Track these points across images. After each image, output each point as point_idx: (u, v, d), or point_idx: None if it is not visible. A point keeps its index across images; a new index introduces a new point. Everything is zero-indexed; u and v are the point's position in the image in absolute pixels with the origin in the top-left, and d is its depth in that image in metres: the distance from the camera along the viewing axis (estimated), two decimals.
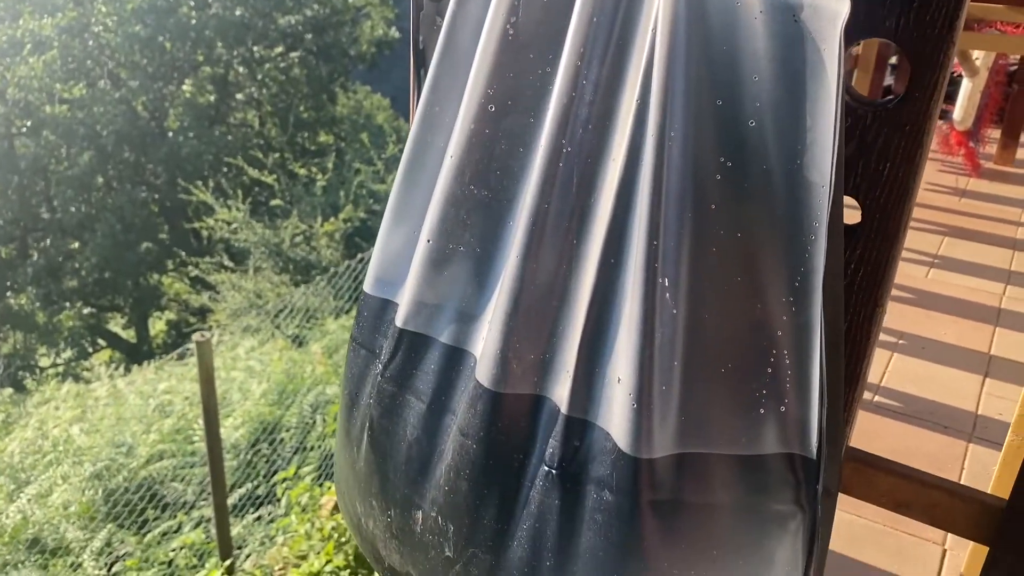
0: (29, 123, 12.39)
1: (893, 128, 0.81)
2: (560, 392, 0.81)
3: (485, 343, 0.84)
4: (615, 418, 0.76)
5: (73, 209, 12.32)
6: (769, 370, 0.75)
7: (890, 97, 0.82)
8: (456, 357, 0.89)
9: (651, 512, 0.75)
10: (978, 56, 2.76)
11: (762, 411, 0.75)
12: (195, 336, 4.01)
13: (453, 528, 0.85)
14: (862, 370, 0.92)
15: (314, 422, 5.75)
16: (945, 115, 3.19)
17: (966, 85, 2.87)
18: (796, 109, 0.71)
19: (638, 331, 0.74)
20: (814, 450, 0.75)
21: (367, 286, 0.99)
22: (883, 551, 1.38)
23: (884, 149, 0.82)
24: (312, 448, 5.42)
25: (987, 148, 3.28)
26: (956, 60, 2.76)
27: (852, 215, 0.90)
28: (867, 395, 1.80)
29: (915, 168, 0.83)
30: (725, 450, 0.75)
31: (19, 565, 4.68)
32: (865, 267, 0.87)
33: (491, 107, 0.85)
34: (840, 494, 1.06)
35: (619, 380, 0.76)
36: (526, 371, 0.82)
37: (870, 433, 1.68)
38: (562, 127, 0.80)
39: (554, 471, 0.79)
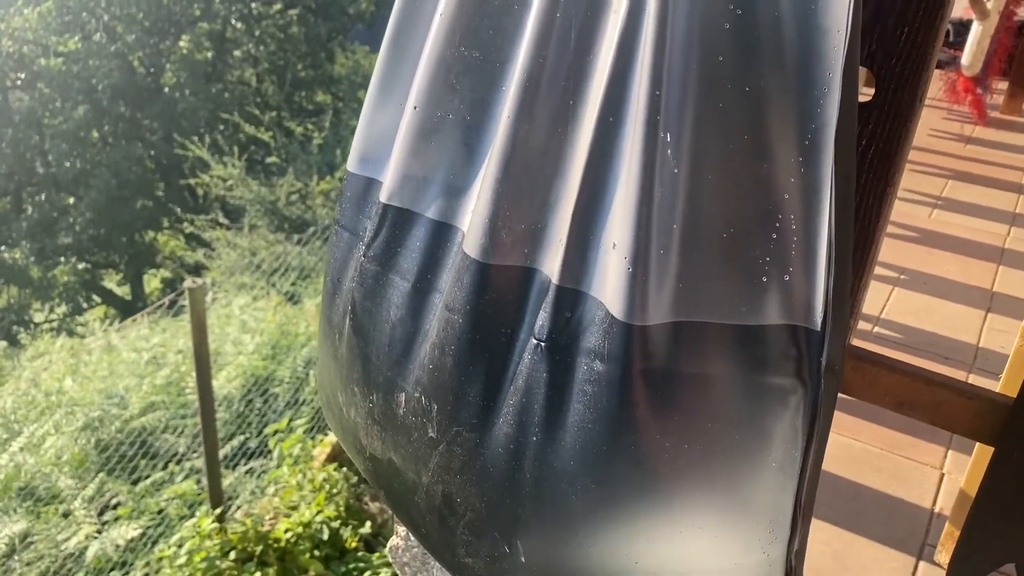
0: (23, 76, 12.23)
1: None
2: (551, 263, 0.76)
3: (474, 213, 0.79)
4: (609, 285, 0.72)
5: (68, 164, 12.21)
6: (774, 235, 0.70)
7: None
8: (443, 232, 0.84)
9: (643, 381, 0.71)
10: None
11: (765, 279, 0.71)
12: (187, 282, 3.96)
13: (437, 407, 0.81)
14: (870, 256, 0.88)
15: (307, 376, 5.73)
16: (953, 62, 3.12)
17: (975, 29, 2.80)
18: None
19: (636, 191, 0.70)
20: (819, 322, 0.71)
21: (350, 164, 0.94)
22: (880, 474, 1.35)
23: (903, 12, 0.77)
24: (305, 402, 5.41)
25: (995, 98, 3.22)
26: (967, 2, 2.69)
27: (863, 94, 0.85)
28: (866, 326, 1.77)
29: (934, 34, 0.78)
30: (724, 319, 0.71)
31: (11, 512, 4.67)
32: (877, 144, 0.83)
33: None
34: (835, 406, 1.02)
35: (614, 246, 0.72)
36: (516, 241, 0.78)
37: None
38: None
39: (543, 344, 0.75)
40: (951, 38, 3.47)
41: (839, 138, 0.67)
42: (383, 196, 0.87)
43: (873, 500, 1.30)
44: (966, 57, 2.90)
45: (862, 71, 0.82)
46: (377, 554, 3.91)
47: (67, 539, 4.41)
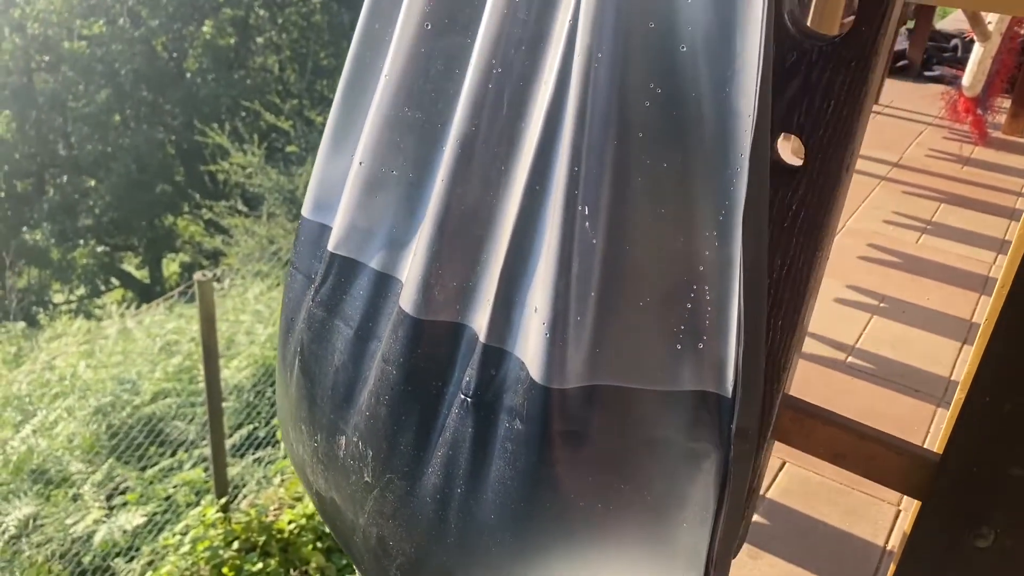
0: (48, 58, 12.37)
1: (838, 64, 0.78)
2: (480, 320, 0.79)
3: (409, 269, 0.82)
4: (530, 348, 0.75)
5: (89, 147, 12.34)
6: (689, 305, 0.73)
7: (836, 34, 0.78)
8: (384, 283, 0.87)
9: (560, 442, 0.74)
10: (991, 20, 2.67)
11: (679, 347, 0.73)
12: (196, 275, 4.01)
13: (372, 453, 0.84)
14: (801, 317, 0.90)
15: None
16: (954, 81, 3.11)
17: (977, 50, 2.78)
18: (727, 34, 0.69)
19: (555, 259, 0.73)
20: (730, 389, 0.73)
21: (305, 210, 0.97)
22: (836, 508, 1.37)
23: (828, 87, 0.79)
24: None
25: (997, 118, 3.20)
26: (968, 24, 2.68)
27: (796, 159, 0.87)
28: (840, 355, 1.78)
29: (859, 107, 0.80)
30: (639, 384, 0.74)
31: (22, 494, 4.76)
32: (807, 209, 0.85)
33: (427, 25, 0.82)
34: (781, 443, 1.05)
35: (536, 309, 0.75)
36: (448, 299, 0.81)
37: (841, 393, 1.66)
38: (495, 47, 0.77)
39: (469, 399, 0.78)
40: (958, 54, 3.45)
41: (747, 216, 0.69)
42: (330, 245, 0.90)
43: (826, 536, 1.32)
44: (967, 78, 2.88)
45: (792, 139, 0.84)
46: None
47: (76, 523, 4.49)
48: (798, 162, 0.85)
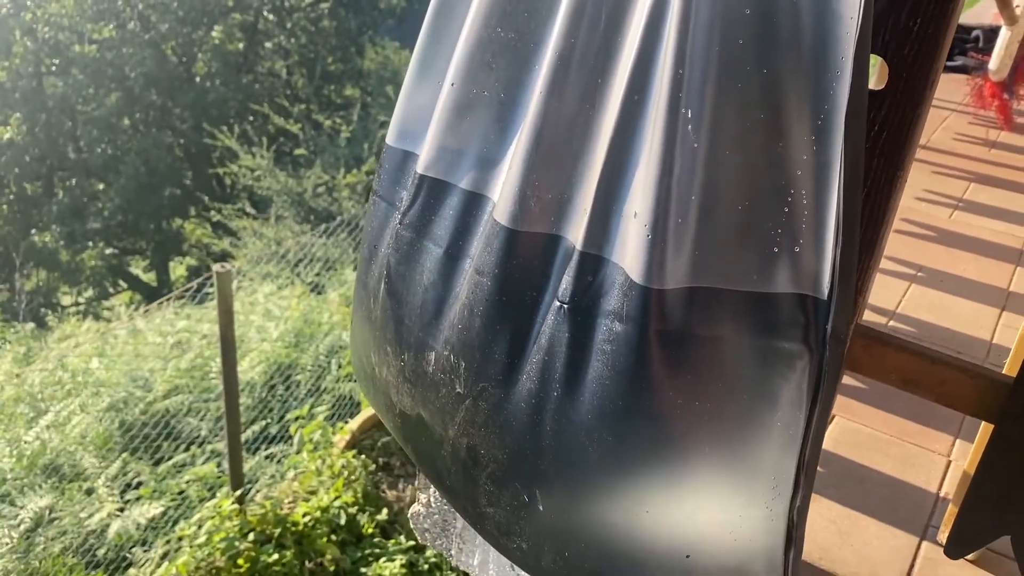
0: (58, 62, 12.44)
1: None
2: (576, 231, 0.82)
3: (505, 182, 0.84)
4: (629, 252, 0.77)
5: (99, 150, 12.40)
6: (786, 209, 0.75)
7: None
8: (475, 202, 0.90)
9: (659, 342, 0.76)
10: (1019, 3, 2.70)
11: (776, 250, 0.75)
12: (215, 267, 4.03)
13: (465, 364, 0.87)
14: (880, 237, 0.92)
15: (329, 365, 5.80)
16: (980, 67, 3.14)
17: (1004, 34, 2.81)
18: None
19: (658, 163, 0.75)
20: (825, 292, 0.75)
21: (390, 138, 0.99)
22: (888, 458, 1.39)
23: (916, 4, 0.82)
24: (326, 390, 5.47)
25: (1022, 104, 3.22)
26: (996, 7, 2.70)
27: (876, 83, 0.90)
28: (882, 319, 1.80)
29: (946, 25, 0.82)
30: (736, 286, 0.76)
31: (36, 488, 4.77)
32: (889, 129, 0.87)
33: None
34: (849, 374, 1.07)
35: (635, 215, 0.77)
36: (544, 210, 0.83)
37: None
38: None
39: (566, 306, 0.81)
40: (980, 44, 3.48)
41: (849, 119, 0.72)
42: (419, 167, 0.93)
43: (880, 483, 1.34)
44: (993, 62, 2.91)
45: (876, 59, 0.86)
46: (393, 540, 3.98)
47: (90, 516, 4.49)
48: (880, 84, 0.88)
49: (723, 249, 0.76)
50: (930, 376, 0.97)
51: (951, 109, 3.29)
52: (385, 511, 4.19)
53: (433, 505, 1.42)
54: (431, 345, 0.91)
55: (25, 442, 5.02)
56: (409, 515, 1.45)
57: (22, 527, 4.30)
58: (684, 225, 0.75)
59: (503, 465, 0.85)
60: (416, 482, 1.40)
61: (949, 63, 3.82)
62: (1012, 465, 0.93)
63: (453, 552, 1.42)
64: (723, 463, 0.78)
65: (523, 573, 1.30)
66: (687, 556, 0.79)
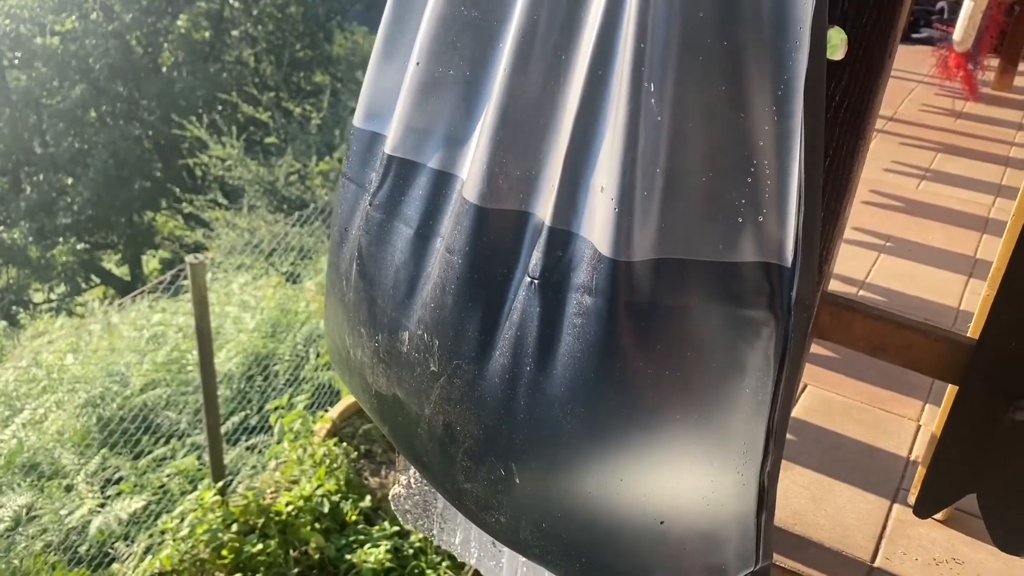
0: (20, 55, 12.21)
1: None
2: (544, 207, 0.82)
3: (472, 161, 0.85)
4: (597, 225, 0.78)
5: (66, 144, 12.20)
6: (749, 179, 0.76)
7: None
8: (444, 181, 0.90)
9: (628, 313, 0.77)
10: None
11: (740, 220, 0.77)
12: (188, 258, 4.00)
13: (438, 343, 0.87)
14: (843, 207, 0.94)
15: (307, 354, 5.77)
16: (945, 39, 3.17)
17: (967, 5, 2.85)
18: None
19: (622, 137, 0.76)
20: (789, 260, 0.77)
21: (357, 120, 1.00)
22: (859, 425, 1.41)
23: None
24: (305, 380, 5.46)
25: (987, 75, 3.27)
26: None
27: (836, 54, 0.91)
28: (851, 289, 1.83)
29: None
30: (703, 256, 0.77)
31: (14, 487, 4.72)
32: (849, 99, 0.89)
33: None
34: (817, 341, 1.09)
35: (602, 189, 0.78)
36: (512, 187, 0.84)
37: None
38: None
39: (536, 281, 0.81)
40: (945, 16, 3.52)
41: (808, 88, 0.73)
42: (387, 148, 0.93)
43: (852, 449, 1.37)
44: (957, 33, 2.94)
45: (839, 32, 0.87)
46: (377, 527, 3.99)
47: (70, 513, 4.46)
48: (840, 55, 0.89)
49: (688, 220, 0.77)
50: (896, 341, 1.00)
51: (917, 81, 3.34)
52: (368, 498, 4.19)
53: (413, 486, 1.43)
54: (404, 325, 0.91)
55: (1, 440, 4.97)
56: (390, 497, 1.46)
57: (1, 526, 4.26)
58: (650, 197, 0.76)
59: (479, 440, 0.86)
60: (396, 464, 1.42)
61: (914, 35, 3.86)
62: (975, 424, 0.95)
63: (435, 532, 1.43)
64: (694, 430, 0.79)
65: (505, 550, 1.31)
66: (661, 522, 0.80)
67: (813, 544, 1.17)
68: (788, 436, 1.39)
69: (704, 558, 0.83)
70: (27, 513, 4.41)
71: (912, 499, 1.28)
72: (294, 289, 7.20)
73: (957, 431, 0.97)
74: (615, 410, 0.79)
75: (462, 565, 3.69)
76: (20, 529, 4.32)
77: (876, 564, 1.15)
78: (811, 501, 1.24)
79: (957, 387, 0.98)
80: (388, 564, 3.67)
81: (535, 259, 0.82)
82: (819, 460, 1.33)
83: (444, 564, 3.70)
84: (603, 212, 0.77)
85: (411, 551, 3.81)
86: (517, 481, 0.84)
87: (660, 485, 0.80)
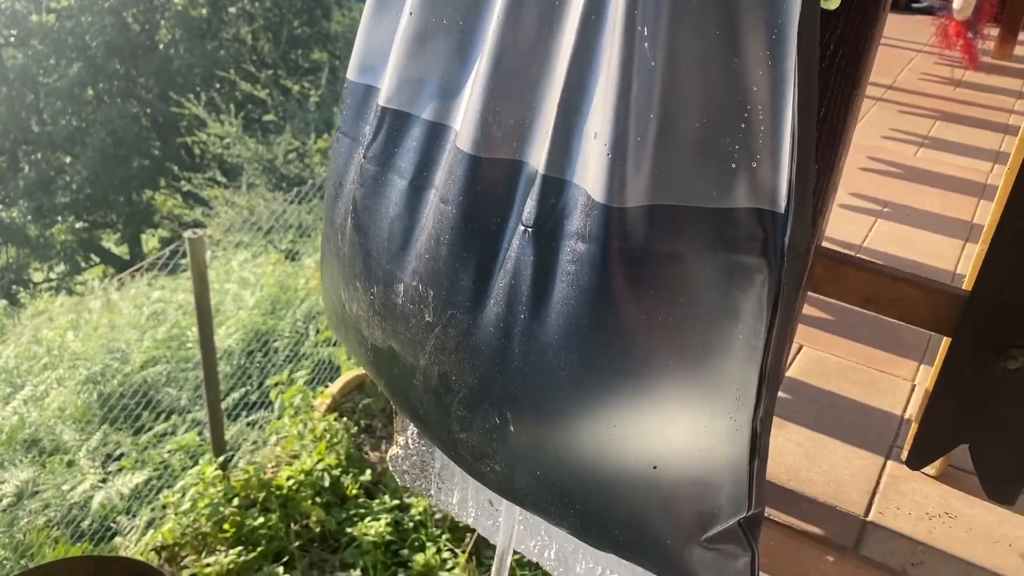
0: (16, 32, 12.14)
1: None
2: (538, 155, 0.82)
3: (466, 110, 0.85)
4: (590, 172, 0.78)
5: (63, 122, 12.17)
6: (742, 125, 0.76)
7: None
8: (438, 132, 0.90)
9: (621, 260, 0.77)
10: None
11: (734, 166, 0.77)
12: (187, 233, 3.99)
13: (433, 293, 0.88)
14: (837, 158, 0.94)
15: (307, 331, 5.78)
16: (945, 8, 3.16)
17: None
18: None
19: (616, 82, 0.76)
20: (783, 206, 0.77)
21: (350, 74, 0.99)
22: (854, 385, 1.42)
23: None
24: (305, 355, 5.47)
25: (986, 44, 3.26)
26: None
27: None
28: (848, 252, 1.83)
29: None
30: (696, 203, 0.77)
31: (16, 463, 4.75)
32: (844, 47, 0.88)
33: None
34: (811, 293, 1.09)
35: (595, 135, 0.78)
36: (506, 136, 0.84)
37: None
38: None
39: (530, 229, 0.82)
40: None
41: (801, 32, 0.72)
42: (381, 100, 0.93)
43: (847, 408, 1.38)
44: (957, 2, 2.93)
45: None
46: (377, 500, 4.01)
47: (72, 488, 4.49)
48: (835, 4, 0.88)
49: (682, 166, 0.77)
50: (889, 293, 1.00)
51: (917, 50, 3.32)
52: (368, 472, 4.22)
53: (411, 447, 1.44)
54: (399, 277, 0.92)
55: (3, 417, 4.99)
56: (388, 457, 1.47)
57: (4, 501, 4.29)
58: (643, 143, 0.76)
59: (474, 389, 0.87)
60: (394, 425, 1.43)
61: (915, 4, 3.84)
62: (968, 375, 0.96)
63: (432, 492, 1.45)
64: (687, 376, 0.80)
65: (502, 509, 1.32)
66: (654, 468, 0.81)
67: (807, 499, 1.18)
68: (783, 395, 1.40)
69: (697, 504, 0.83)
70: (30, 488, 4.44)
71: (905, 456, 1.29)
72: (293, 266, 7.20)
73: (949, 382, 0.97)
74: (609, 356, 0.79)
75: (462, 538, 3.72)
76: (23, 504, 4.35)
77: (869, 519, 1.16)
78: (805, 458, 1.25)
79: (950, 339, 0.98)
80: (389, 536, 3.70)
81: (529, 207, 0.82)
82: (814, 418, 1.34)
83: (444, 536, 3.73)
84: (596, 159, 0.77)
85: (411, 524, 3.84)
86: (511, 429, 0.85)
87: (653, 431, 0.81)
